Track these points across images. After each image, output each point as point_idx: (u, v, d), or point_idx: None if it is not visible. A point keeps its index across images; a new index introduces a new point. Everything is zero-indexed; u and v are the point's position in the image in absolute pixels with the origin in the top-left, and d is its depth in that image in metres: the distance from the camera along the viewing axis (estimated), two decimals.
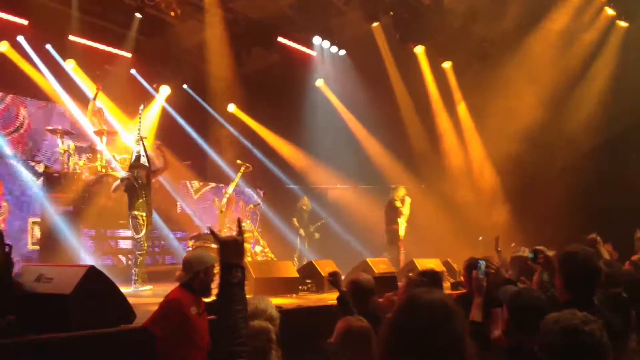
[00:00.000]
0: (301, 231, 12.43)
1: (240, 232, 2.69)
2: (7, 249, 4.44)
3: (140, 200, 8.53)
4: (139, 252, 8.47)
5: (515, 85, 12.09)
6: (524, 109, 12.03)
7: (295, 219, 12.67)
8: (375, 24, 13.23)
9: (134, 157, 8.74)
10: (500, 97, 12.34)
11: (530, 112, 11.95)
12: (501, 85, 12.25)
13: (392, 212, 11.52)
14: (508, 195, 12.85)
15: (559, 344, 2.20)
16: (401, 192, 11.71)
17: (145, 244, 8.61)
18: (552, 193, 11.61)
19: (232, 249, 2.59)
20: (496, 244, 5.98)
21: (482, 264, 3.63)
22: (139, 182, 8.60)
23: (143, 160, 8.71)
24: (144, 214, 8.52)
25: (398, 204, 11.51)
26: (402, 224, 11.41)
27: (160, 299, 4.41)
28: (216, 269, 9.06)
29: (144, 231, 8.43)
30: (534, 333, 2.40)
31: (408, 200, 11.64)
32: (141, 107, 9.33)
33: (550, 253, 4.63)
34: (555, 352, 2.21)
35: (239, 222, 2.83)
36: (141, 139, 8.82)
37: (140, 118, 9.07)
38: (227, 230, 10.33)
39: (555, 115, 12.02)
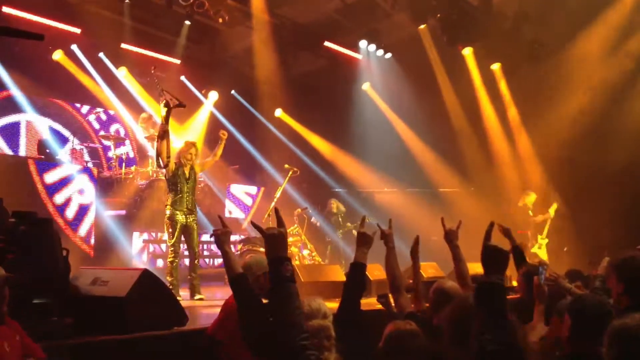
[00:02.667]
0: (339, 233, 12.29)
1: (281, 222, 2.70)
2: (65, 252, 4.56)
3: (179, 196, 7.96)
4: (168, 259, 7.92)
5: (567, 87, 11.83)
6: (576, 111, 11.75)
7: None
8: (422, 26, 13.10)
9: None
10: (551, 99, 12.08)
11: (583, 114, 11.65)
12: (552, 87, 11.99)
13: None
14: (560, 199, 12.55)
15: (630, 351, 2.15)
16: (532, 197, 11.65)
17: (175, 248, 7.84)
18: (607, 197, 11.30)
19: (278, 242, 2.61)
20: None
21: (543, 270, 3.56)
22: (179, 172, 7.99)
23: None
24: (178, 213, 7.89)
25: (531, 212, 11.48)
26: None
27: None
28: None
29: (177, 235, 7.83)
30: (596, 338, 2.35)
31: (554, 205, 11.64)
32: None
33: (605, 260, 4.52)
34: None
35: (277, 212, 2.83)
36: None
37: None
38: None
39: (608, 116, 11.69)
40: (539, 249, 11.41)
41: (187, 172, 8.11)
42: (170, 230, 7.91)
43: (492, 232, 2.58)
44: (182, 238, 8.02)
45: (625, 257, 3.39)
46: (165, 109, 7.69)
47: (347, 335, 3.14)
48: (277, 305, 2.52)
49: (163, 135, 7.68)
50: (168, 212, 7.95)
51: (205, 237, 10.13)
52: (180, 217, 7.90)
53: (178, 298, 7.00)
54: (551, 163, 12.59)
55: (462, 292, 3.84)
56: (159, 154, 7.74)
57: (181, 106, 7.86)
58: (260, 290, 4.30)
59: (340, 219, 12.28)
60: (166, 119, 7.72)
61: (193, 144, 8.34)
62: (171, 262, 7.78)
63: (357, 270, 3.59)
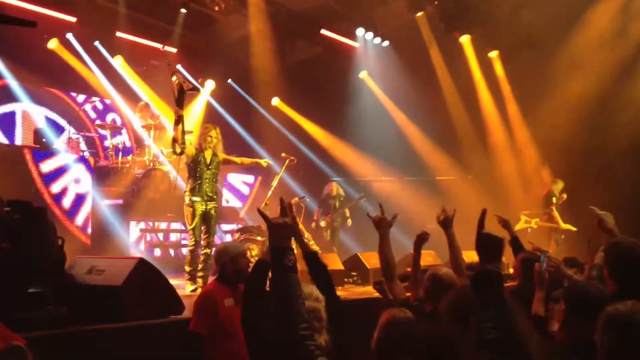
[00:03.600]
0: (336, 223, 12.09)
1: (285, 212, 2.68)
2: (60, 242, 4.55)
3: (198, 182, 7.62)
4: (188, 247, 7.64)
5: (565, 73, 11.79)
6: (574, 97, 11.72)
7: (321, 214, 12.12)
8: (419, 14, 13.05)
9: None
10: (549, 85, 12.05)
11: (581, 100, 11.63)
12: (550, 74, 11.95)
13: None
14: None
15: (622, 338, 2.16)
16: (560, 185, 11.60)
17: (195, 236, 7.51)
18: (606, 183, 11.32)
19: (283, 231, 2.60)
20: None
21: (544, 257, 3.56)
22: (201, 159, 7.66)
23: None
24: (197, 200, 7.56)
25: (554, 199, 11.45)
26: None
27: None
28: (253, 255, 9.09)
29: (196, 220, 7.49)
30: (591, 325, 2.34)
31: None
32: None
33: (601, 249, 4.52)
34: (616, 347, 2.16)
35: (282, 202, 2.82)
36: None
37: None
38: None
39: (609, 102, 11.66)
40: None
41: (207, 158, 7.76)
42: (190, 218, 7.57)
43: (485, 219, 2.57)
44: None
45: (611, 243, 3.46)
46: (179, 93, 7.44)
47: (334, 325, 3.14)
48: (278, 295, 2.51)
49: (178, 120, 7.41)
50: (187, 199, 7.64)
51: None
52: (200, 205, 7.57)
53: (193, 287, 7.12)
54: (549, 150, 12.58)
55: (456, 279, 3.84)
56: (174, 140, 7.47)
57: (195, 90, 7.80)
58: (232, 276, 4.31)
59: (337, 203, 12.20)
60: (180, 104, 7.48)
61: (214, 127, 7.99)
62: (191, 252, 7.49)
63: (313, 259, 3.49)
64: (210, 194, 7.71)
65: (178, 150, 7.49)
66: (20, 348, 3.04)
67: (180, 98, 7.47)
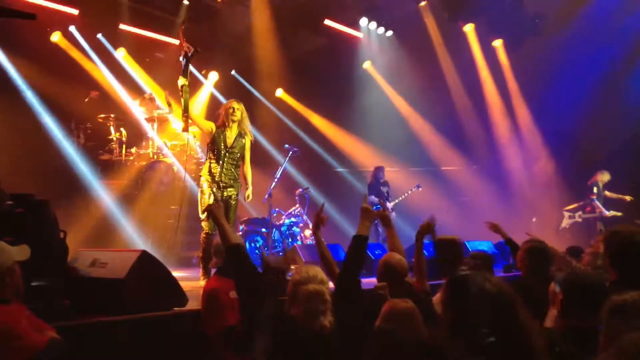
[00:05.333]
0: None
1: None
2: (62, 234, 4.55)
3: (214, 164, 6.85)
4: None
5: (569, 62, 11.72)
6: (578, 86, 11.66)
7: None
8: (422, 3, 13.01)
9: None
10: (552, 74, 11.99)
11: (585, 88, 11.57)
12: (554, 62, 11.89)
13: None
14: (563, 174, 12.52)
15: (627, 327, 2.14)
16: (606, 176, 11.52)
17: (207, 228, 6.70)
18: (610, 170, 11.31)
19: None
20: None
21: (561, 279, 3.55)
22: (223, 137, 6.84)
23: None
24: (213, 185, 6.79)
25: (595, 189, 11.42)
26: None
27: None
28: (258, 247, 8.98)
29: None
30: (590, 312, 2.33)
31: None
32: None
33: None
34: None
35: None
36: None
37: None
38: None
39: (612, 91, 11.61)
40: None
41: (230, 138, 6.90)
42: (202, 205, 6.78)
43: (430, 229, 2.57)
44: None
45: (610, 231, 3.47)
46: (184, 61, 6.86)
47: (344, 308, 3.16)
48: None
49: (181, 89, 6.75)
50: (202, 183, 6.90)
51: None
52: (215, 190, 6.78)
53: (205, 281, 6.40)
54: (553, 139, 12.55)
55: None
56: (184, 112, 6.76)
57: (196, 52, 6.95)
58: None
59: (387, 190, 11.70)
60: (184, 72, 6.80)
61: (238, 102, 7.13)
62: (204, 241, 6.75)
63: (358, 243, 3.58)
64: (227, 181, 6.87)
65: (182, 124, 6.85)
66: (61, 341, 3.17)
67: (186, 67, 6.86)
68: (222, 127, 6.92)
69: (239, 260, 3.45)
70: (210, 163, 6.90)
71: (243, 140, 7.00)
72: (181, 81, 6.79)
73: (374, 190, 11.41)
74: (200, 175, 7.04)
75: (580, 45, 11.69)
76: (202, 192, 6.87)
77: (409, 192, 11.68)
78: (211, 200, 6.62)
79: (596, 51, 11.66)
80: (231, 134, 6.91)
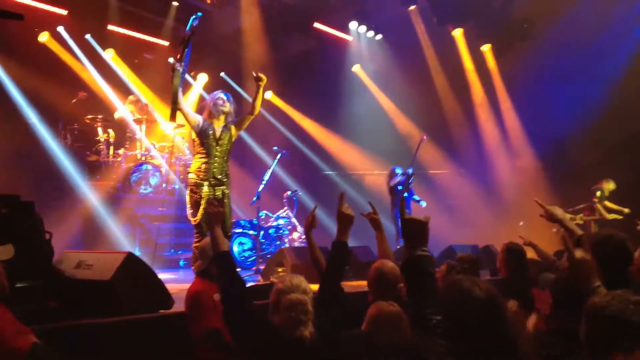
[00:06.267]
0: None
1: None
2: (47, 236, 4.51)
3: (205, 160, 6.44)
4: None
5: (557, 66, 11.80)
6: (566, 91, 11.74)
7: None
8: (412, 7, 13.06)
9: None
10: (541, 79, 12.06)
11: (574, 93, 11.66)
12: (542, 67, 11.96)
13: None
14: (551, 179, 12.59)
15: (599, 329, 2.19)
16: (611, 185, 11.59)
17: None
18: (602, 175, 11.43)
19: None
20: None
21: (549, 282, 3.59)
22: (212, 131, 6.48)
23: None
24: (204, 183, 6.40)
25: (599, 193, 11.52)
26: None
27: None
28: (245, 249, 8.85)
29: (201, 211, 6.21)
30: (576, 316, 2.35)
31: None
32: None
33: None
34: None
35: None
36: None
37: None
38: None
39: (602, 96, 11.69)
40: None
41: (218, 130, 6.57)
42: (192, 205, 6.37)
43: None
44: None
45: (595, 235, 3.60)
46: (182, 46, 6.52)
47: (328, 315, 3.16)
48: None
49: (172, 72, 6.30)
50: (191, 181, 6.48)
51: None
52: (206, 189, 6.40)
53: None
54: (541, 143, 12.62)
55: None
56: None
57: (188, 33, 6.63)
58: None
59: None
60: (178, 57, 6.43)
61: (226, 94, 6.88)
62: (197, 248, 5.94)
63: (337, 249, 3.56)
64: (219, 176, 6.51)
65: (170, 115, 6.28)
66: (43, 346, 3.05)
67: (181, 51, 6.51)
68: (209, 119, 6.60)
69: (226, 268, 3.45)
70: (200, 159, 6.51)
71: (230, 133, 6.69)
72: (172, 61, 6.44)
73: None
74: (189, 173, 6.64)
75: (568, 50, 11.78)
76: (192, 191, 6.47)
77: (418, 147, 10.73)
78: (203, 202, 6.25)
79: (585, 55, 11.74)
80: (218, 126, 6.62)
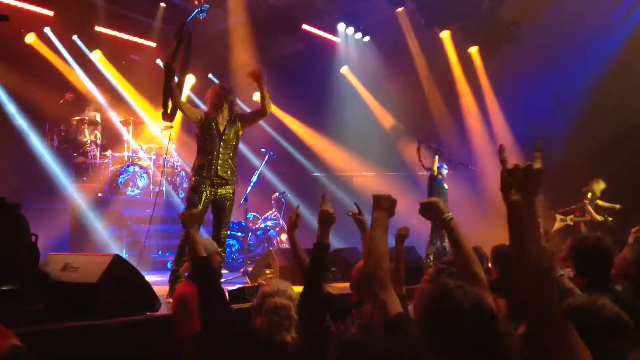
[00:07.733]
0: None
1: None
2: (33, 238, 4.48)
3: (207, 158, 5.89)
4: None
5: (544, 68, 11.87)
6: (553, 92, 11.82)
7: None
8: (399, 9, 13.09)
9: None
10: (528, 80, 12.13)
11: (561, 94, 11.74)
12: (529, 68, 12.03)
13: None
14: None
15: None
16: (601, 185, 11.62)
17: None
18: (589, 177, 11.50)
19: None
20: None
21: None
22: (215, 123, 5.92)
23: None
24: (205, 182, 5.84)
25: (590, 195, 11.52)
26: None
27: None
28: (234, 250, 8.86)
29: (199, 208, 5.69)
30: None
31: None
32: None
33: None
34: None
35: None
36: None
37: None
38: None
39: (590, 97, 11.78)
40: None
41: (222, 124, 5.99)
42: (188, 206, 5.79)
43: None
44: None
45: (576, 240, 3.54)
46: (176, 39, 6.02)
47: (310, 318, 3.17)
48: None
49: (165, 69, 5.93)
50: (192, 180, 5.94)
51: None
52: (208, 189, 5.86)
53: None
54: (528, 145, 12.68)
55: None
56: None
57: (181, 26, 6.10)
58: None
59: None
60: (171, 54, 5.98)
61: (230, 86, 6.32)
62: (181, 247, 5.69)
63: (318, 251, 3.56)
64: (223, 175, 5.94)
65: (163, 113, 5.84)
66: (24, 349, 2.97)
67: (174, 48, 6.02)
68: (212, 112, 6.01)
69: (205, 274, 3.45)
70: (202, 157, 5.94)
71: (235, 126, 6.07)
72: (165, 64, 6.02)
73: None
74: (192, 170, 6.05)
75: (553, 51, 11.85)
76: (191, 189, 5.89)
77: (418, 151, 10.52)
78: (203, 202, 5.81)
79: (572, 57, 11.82)
80: (223, 120, 6.01)
